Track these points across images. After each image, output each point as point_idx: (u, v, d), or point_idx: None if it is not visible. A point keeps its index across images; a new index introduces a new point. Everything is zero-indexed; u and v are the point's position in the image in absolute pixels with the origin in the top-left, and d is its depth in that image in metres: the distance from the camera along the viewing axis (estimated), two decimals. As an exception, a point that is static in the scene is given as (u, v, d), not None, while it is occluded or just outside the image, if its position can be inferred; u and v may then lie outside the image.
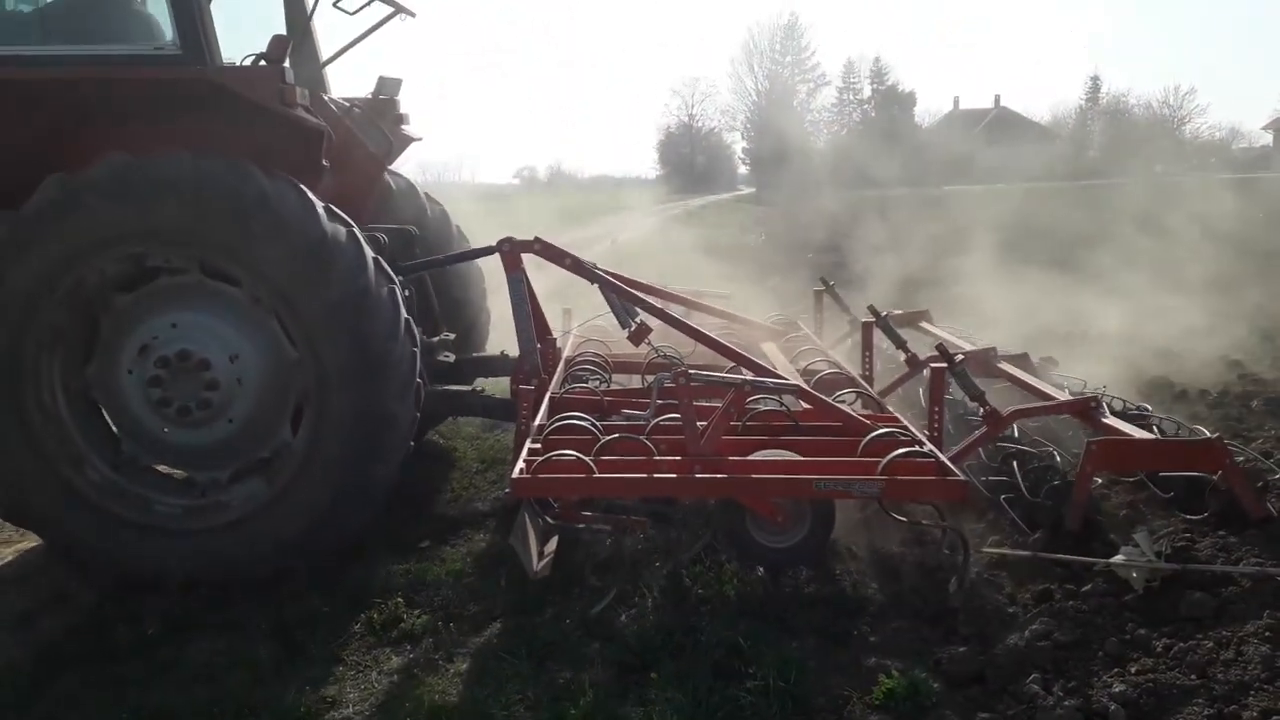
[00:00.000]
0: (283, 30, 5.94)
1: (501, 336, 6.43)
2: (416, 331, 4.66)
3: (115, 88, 4.39)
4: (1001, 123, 66.72)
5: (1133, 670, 3.27)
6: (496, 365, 6.18)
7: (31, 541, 5.24)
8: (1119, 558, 3.78)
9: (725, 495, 4.37)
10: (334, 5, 5.62)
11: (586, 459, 4.20)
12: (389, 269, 4.59)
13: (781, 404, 4.98)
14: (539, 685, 3.50)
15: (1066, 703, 3.16)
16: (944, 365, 4.74)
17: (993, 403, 4.70)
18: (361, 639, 3.98)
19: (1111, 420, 4.60)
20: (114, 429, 4.62)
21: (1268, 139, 68.29)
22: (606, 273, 5.48)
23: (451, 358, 5.84)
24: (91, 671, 3.81)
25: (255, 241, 4.19)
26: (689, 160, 64.00)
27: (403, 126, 6.29)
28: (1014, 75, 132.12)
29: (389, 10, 5.84)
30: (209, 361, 4.36)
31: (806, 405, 4.92)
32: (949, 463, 4.17)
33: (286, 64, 4.49)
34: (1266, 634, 3.27)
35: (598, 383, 5.67)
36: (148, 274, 4.41)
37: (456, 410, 5.73)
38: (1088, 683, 3.26)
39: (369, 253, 4.44)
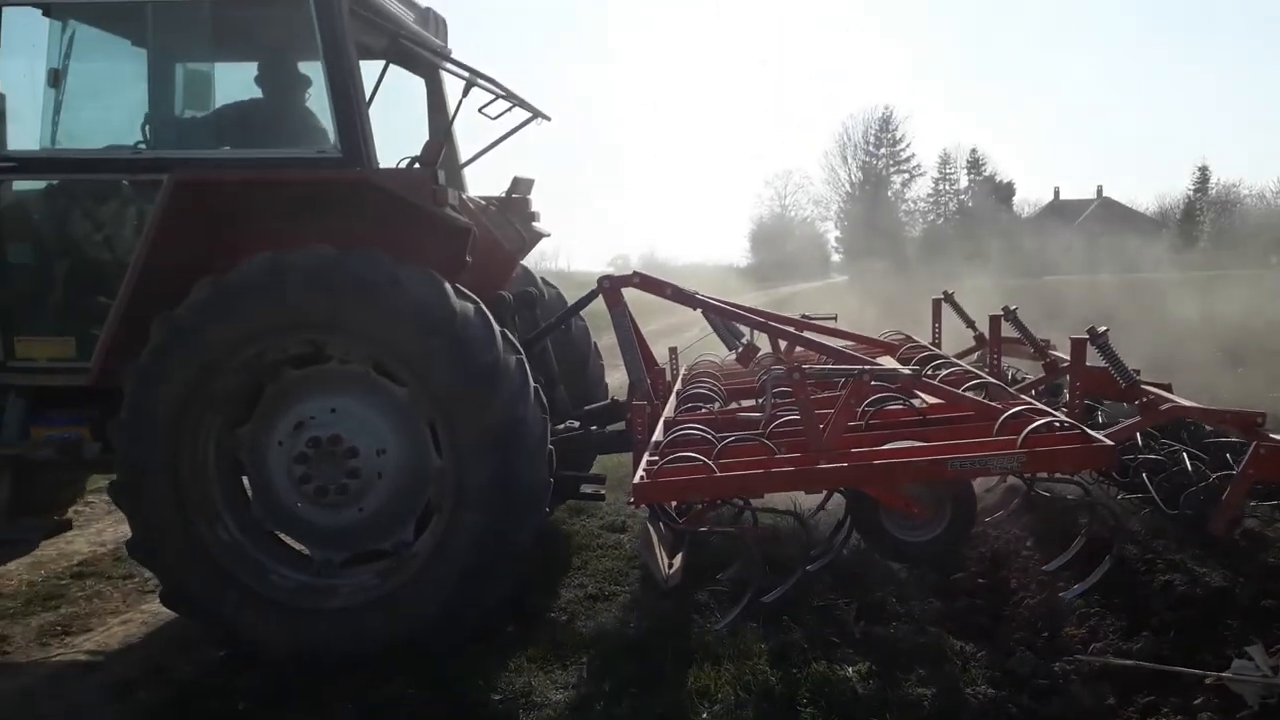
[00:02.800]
0: (425, 133, 6.33)
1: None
2: (554, 456, 4.75)
3: (284, 188, 4.69)
4: (1104, 213, 65.48)
5: (1248, 795, 3.06)
6: (611, 412, 6.21)
7: (135, 613, 5.46)
8: (1232, 671, 3.57)
9: (850, 485, 4.28)
10: (479, 111, 5.84)
11: (706, 460, 4.20)
12: (544, 399, 4.70)
13: (907, 403, 4.94)
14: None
15: (1175, 827, 2.97)
16: (1085, 339, 4.69)
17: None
18: (443, 723, 3.99)
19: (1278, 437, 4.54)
20: (249, 491, 4.78)
21: (1393, 231, 65.29)
22: (709, 298, 5.57)
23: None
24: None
25: (433, 356, 4.35)
26: (780, 248, 64.42)
27: (534, 223, 6.57)
28: (1117, 165, 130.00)
29: (526, 115, 6.08)
30: (357, 450, 4.52)
31: (934, 400, 4.85)
32: (1091, 431, 4.06)
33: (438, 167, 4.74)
34: (1399, 762, 3.03)
35: (713, 406, 5.75)
36: (322, 357, 4.60)
37: (578, 450, 5.83)
38: (1198, 806, 3.06)
39: (531, 382, 4.58)
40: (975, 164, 72.19)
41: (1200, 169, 71.50)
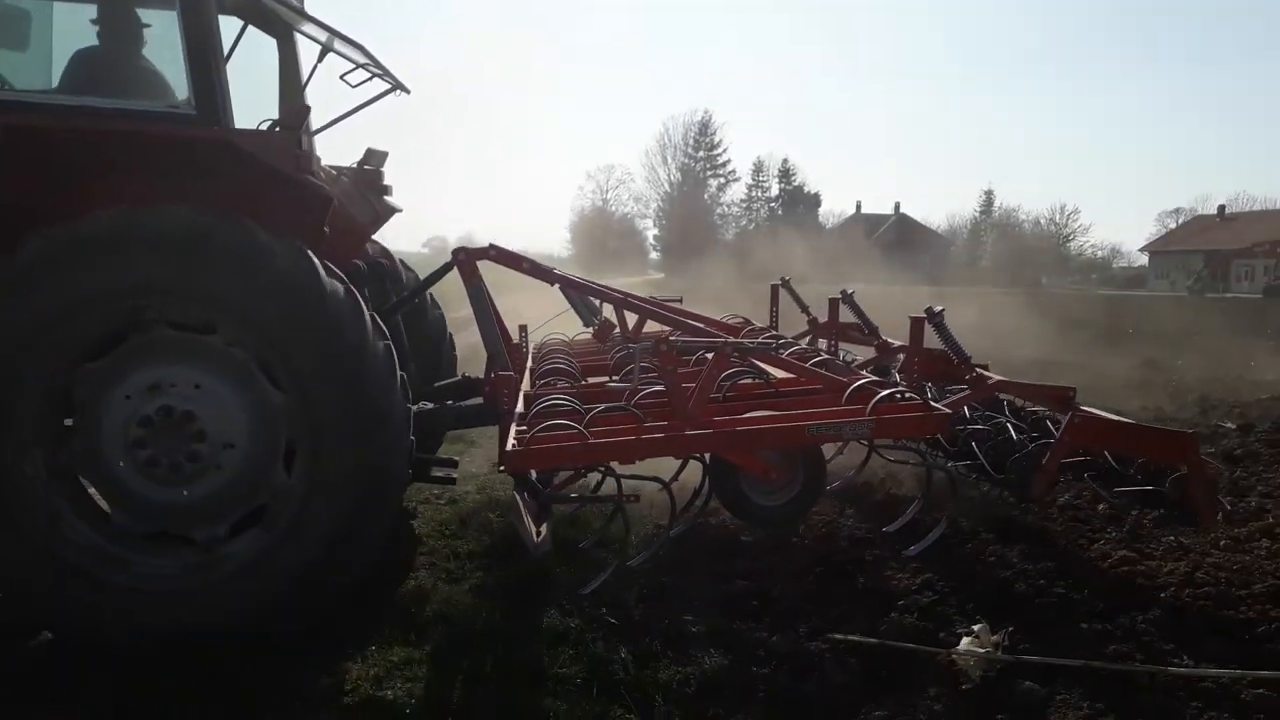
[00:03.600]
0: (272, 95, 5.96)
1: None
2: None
3: (132, 141, 4.33)
4: (901, 228, 69.76)
5: (964, 757, 3.40)
6: (463, 389, 6.09)
7: None
8: (960, 648, 3.95)
9: (716, 451, 4.54)
10: (340, 78, 5.53)
11: (578, 427, 4.32)
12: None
13: (759, 377, 5.21)
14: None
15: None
16: (923, 317, 5.22)
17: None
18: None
19: (1087, 408, 5.08)
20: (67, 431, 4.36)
21: (1144, 260, 73.08)
22: (565, 274, 5.63)
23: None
24: None
25: (329, 381, 4.14)
26: (601, 242, 65.11)
27: (386, 198, 6.33)
28: (914, 184, 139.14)
29: (386, 86, 5.83)
30: (205, 434, 4.24)
31: (782, 375, 5.19)
32: (932, 401, 4.41)
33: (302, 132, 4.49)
34: (1087, 723, 3.44)
35: (570, 383, 5.83)
36: (207, 328, 4.27)
37: (435, 427, 5.71)
38: (922, 768, 3.37)
39: (410, 430, 4.43)
40: (786, 174, 75.34)
41: (986, 192, 77.61)
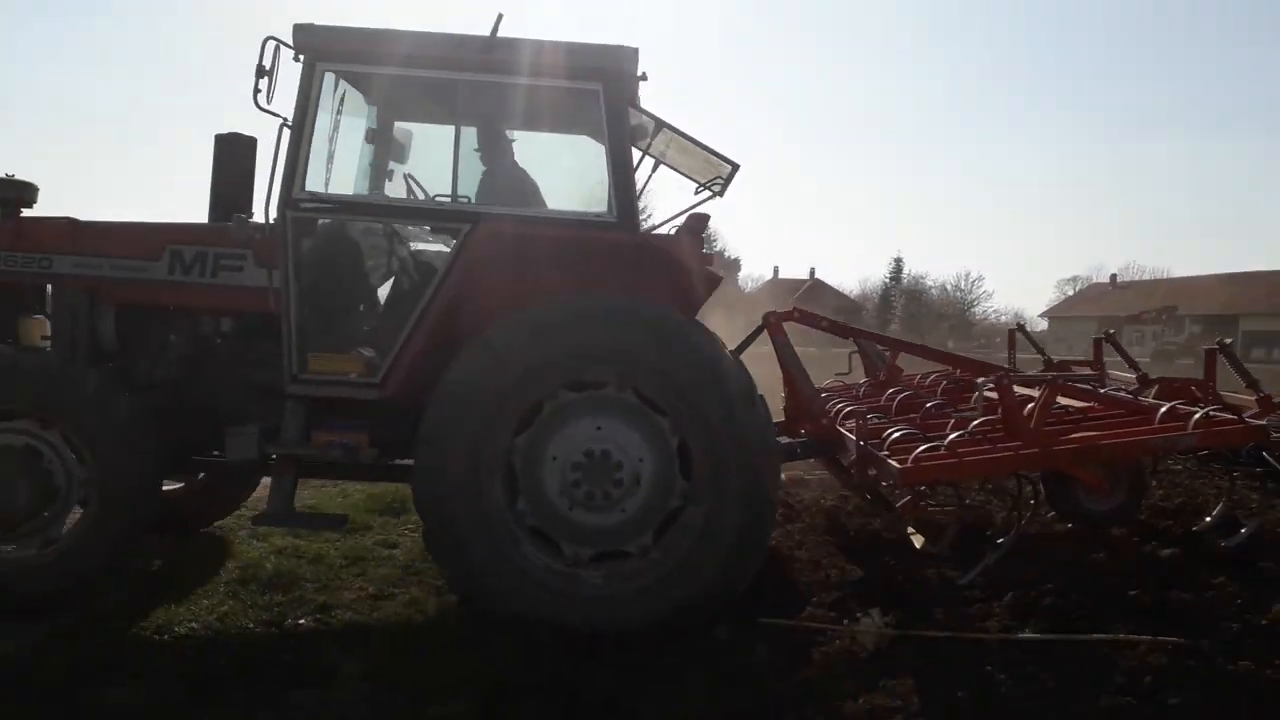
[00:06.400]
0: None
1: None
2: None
3: (572, 243, 5.41)
4: (816, 292, 72.19)
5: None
6: None
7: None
8: (860, 626, 5.02)
9: (1068, 465, 5.41)
10: (694, 191, 6.12)
11: (948, 448, 5.22)
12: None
13: (1062, 407, 6.11)
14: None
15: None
16: (1215, 349, 6.25)
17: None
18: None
19: None
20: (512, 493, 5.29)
21: (1045, 325, 76.94)
22: (857, 329, 6.83)
23: None
24: (6, 711, 4.28)
25: (723, 418, 5.09)
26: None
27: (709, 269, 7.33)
28: (829, 250, 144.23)
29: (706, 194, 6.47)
30: (621, 464, 5.19)
31: (1082, 403, 6.16)
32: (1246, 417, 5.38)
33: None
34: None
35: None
36: (621, 386, 5.25)
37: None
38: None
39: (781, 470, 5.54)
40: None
41: (896, 260, 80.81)
